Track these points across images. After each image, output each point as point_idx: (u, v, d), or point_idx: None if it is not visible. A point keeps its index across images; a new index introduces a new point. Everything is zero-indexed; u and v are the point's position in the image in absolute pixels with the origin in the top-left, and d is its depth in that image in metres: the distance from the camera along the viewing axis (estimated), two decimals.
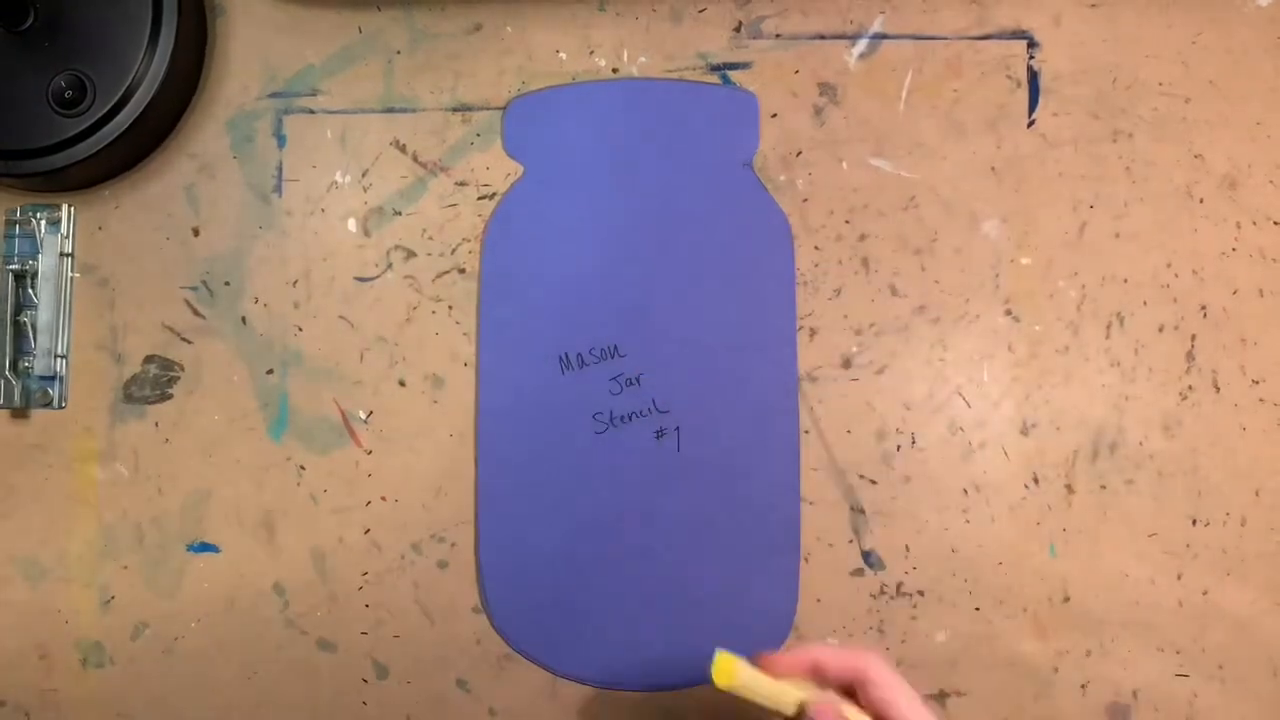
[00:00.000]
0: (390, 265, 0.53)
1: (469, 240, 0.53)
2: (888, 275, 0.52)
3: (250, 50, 0.54)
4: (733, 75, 0.53)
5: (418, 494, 0.52)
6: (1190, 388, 0.52)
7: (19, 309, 0.53)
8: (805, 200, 0.52)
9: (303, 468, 0.53)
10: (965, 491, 0.52)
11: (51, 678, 0.53)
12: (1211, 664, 0.51)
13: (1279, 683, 0.51)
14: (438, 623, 0.52)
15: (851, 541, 0.52)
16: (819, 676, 0.43)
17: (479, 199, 0.53)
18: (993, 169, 0.52)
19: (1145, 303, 0.52)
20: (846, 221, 0.52)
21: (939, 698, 0.51)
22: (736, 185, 0.52)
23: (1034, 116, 0.52)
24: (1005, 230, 0.52)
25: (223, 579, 0.53)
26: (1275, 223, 0.52)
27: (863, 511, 0.52)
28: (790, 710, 0.42)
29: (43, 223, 0.53)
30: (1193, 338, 0.52)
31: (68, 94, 0.50)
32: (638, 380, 0.52)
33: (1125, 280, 0.52)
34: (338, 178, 0.53)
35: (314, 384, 0.53)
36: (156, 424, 0.53)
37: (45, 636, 0.53)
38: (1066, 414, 0.52)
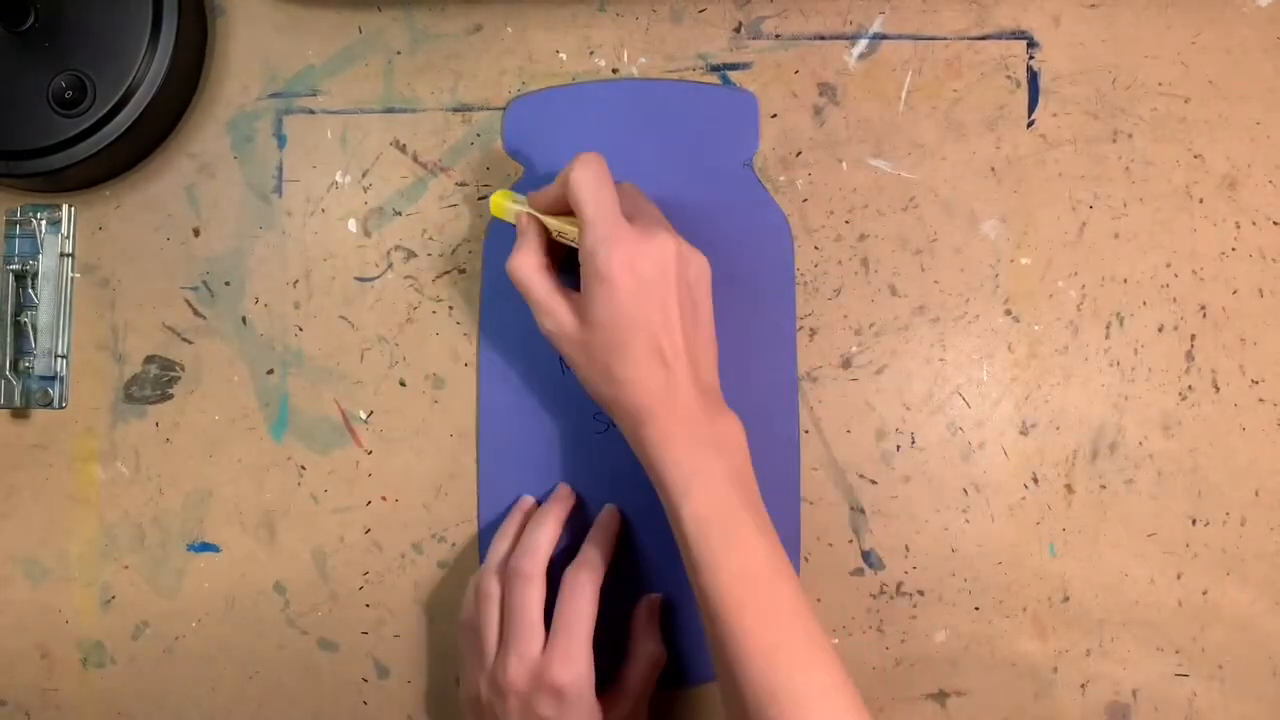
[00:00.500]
0: (391, 265, 0.53)
1: (469, 240, 0.53)
2: (887, 275, 0.52)
3: (250, 50, 0.54)
4: (733, 75, 0.53)
5: (418, 494, 0.52)
6: (1190, 388, 0.52)
7: (19, 309, 0.53)
8: (805, 200, 0.52)
9: (303, 468, 0.53)
10: (965, 491, 0.52)
11: (52, 677, 0.53)
12: (1211, 664, 0.51)
13: (1279, 683, 0.51)
14: (438, 622, 0.52)
15: (851, 541, 0.52)
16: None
17: (479, 199, 0.53)
18: (992, 169, 0.52)
19: (1145, 303, 0.52)
20: (846, 222, 0.52)
21: (939, 697, 0.51)
22: (736, 185, 0.52)
23: (1034, 117, 0.52)
24: (1005, 230, 0.52)
25: (223, 579, 0.53)
26: (1275, 223, 0.52)
27: (862, 511, 0.52)
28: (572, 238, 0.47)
29: (43, 223, 0.53)
30: (1192, 338, 0.52)
31: (68, 94, 0.50)
32: None
33: (1125, 280, 0.52)
34: (338, 178, 0.53)
35: (314, 384, 0.53)
36: (157, 424, 0.53)
37: (46, 636, 0.53)
38: (1066, 414, 0.52)
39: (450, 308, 0.53)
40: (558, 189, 0.46)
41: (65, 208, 0.53)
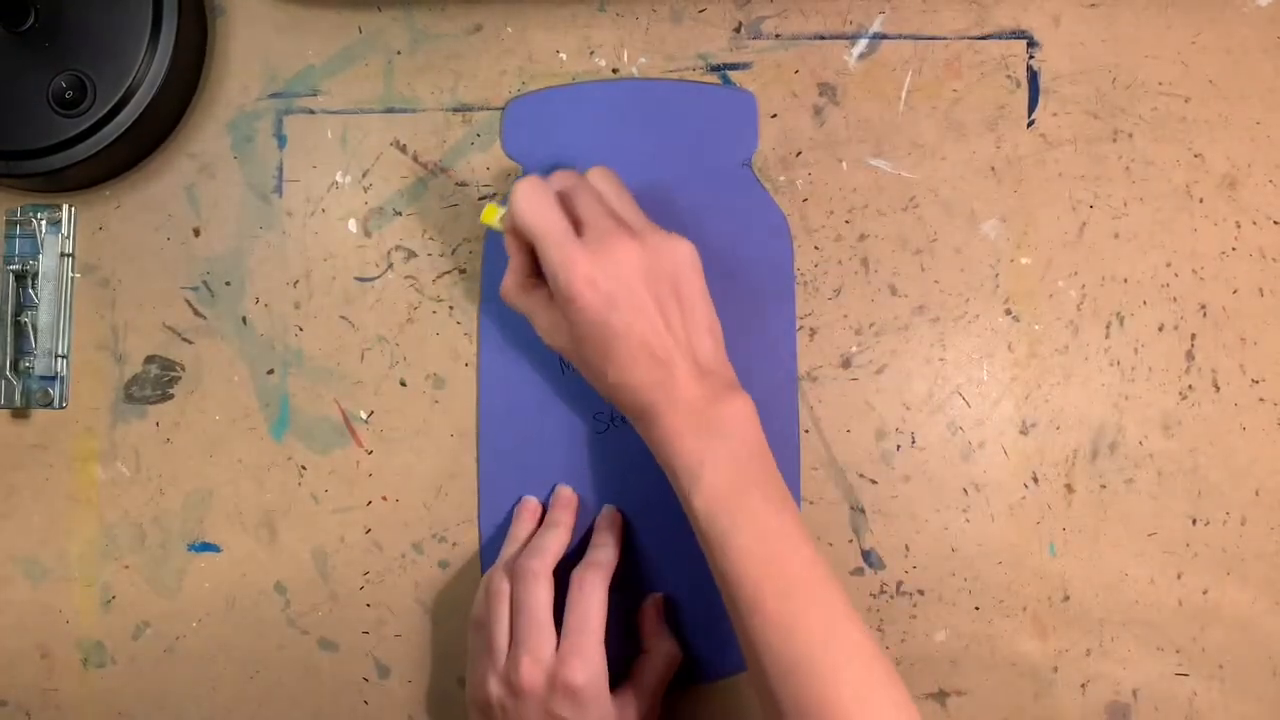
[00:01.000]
0: (391, 265, 0.53)
1: (469, 240, 0.53)
2: (887, 275, 0.52)
3: (250, 50, 0.54)
4: (732, 75, 0.53)
5: (419, 494, 0.52)
6: (1190, 387, 0.52)
7: (19, 309, 0.53)
8: (805, 200, 0.52)
9: (304, 467, 0.53)
10: (965, 491, 0.52)
11: (52, 677, 0.53)
12: (1211, 663, 0.51)
13: (1279, 682, 0.51)
14: (439, 622, 0.52)
15: (851, 541, 0.52)
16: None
17: (479, 199, 0.53)
18: (992, 169, 0.52)
19: (1145, 302, 0.52)
20: (846, 221, 0.52)
21: (939, 697, 0.51)
22: (736, 185, 0.52)
23: (1034, 116, 0.52)
24: (1005, 230, 0.52)
25: (224, 579, 0.53)
26: (1275, 222, 0.52)
27: (862, 511, 0.52)
28: None
29: (43, 223, 0.53)
30: (1193, 337, 0.52)
31: (68, 94, 0.50)
32: None
33: (1125, 280, 0.52)
34: (338, 178, 0.53)
35: (315, 384, 0.53)
36: (157, 424, 0.53)
37: (46, 636, 0.53)
38: (1066, 413, 0.52)
39: (450, 308, 0.53)
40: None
41: (65, 208, 0.53)
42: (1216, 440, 0.51)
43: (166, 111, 0.52)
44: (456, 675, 0.52)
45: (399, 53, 0.53)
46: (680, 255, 0.45)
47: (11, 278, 0.53)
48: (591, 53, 0.53)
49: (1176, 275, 0.52)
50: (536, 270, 0.47)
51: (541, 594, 0.46)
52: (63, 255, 0.53)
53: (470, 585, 0.52)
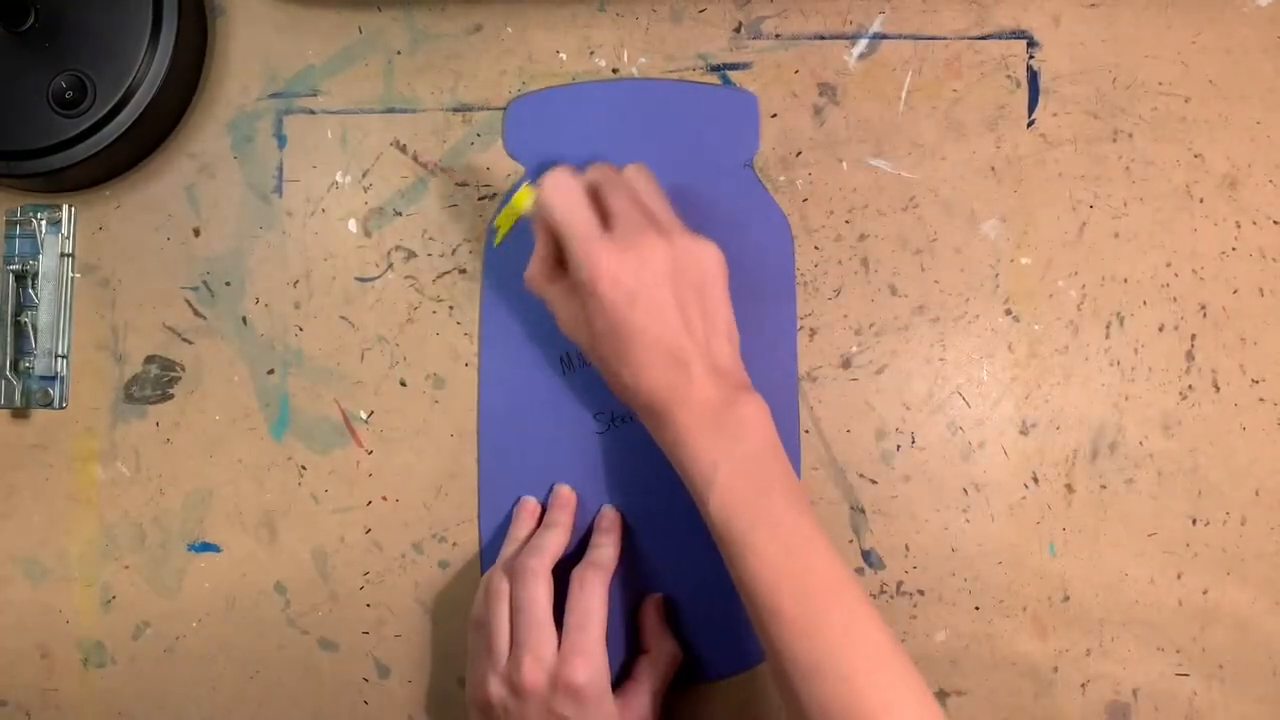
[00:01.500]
0: (391, 265, 0.53)
1: (469, 240, 0.53)
2: (887, 275, 0.52)
3: (250, 50, 0.54)
4: (733, 75, 0.53)
5: (419, 494, 0.52)
6: (1190, 387, 0.52)
7: (19, 309, 0.53)
8: (805, 200, 0.52)
9: (304, 467, 0.53)
10: (965, 491, 0.52)
11: (52, 677, 0.53)
12: (1211, 663, 0.51)
13: (1279, 682, 0.51)
14: (439, 622, 0.52)
15: (851, 541, 0.52)
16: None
17: (479, 199, 0.53)
18: (992, 169, 0.52)
19: (1145, 302, 0.52)
20: (846, 221, 0.52)
21: (939, 697, 0.51)
22: (737, 185, 0.52)
23: (1034, 116, 0.52)
24: (1005, 230, 0.52)
25: (224, 579, 0.53)
26: (1275, 222, 0.52)
27: (862, 511, 0.52)
28: None
29: (43, 223, 0.53)
30: (1193, 337, 0.52)
31: (68, 94, 0.50)
32: None
33: (1125, 280, 0.52)
34: (338, 178, 0.53)
35: (315, 384, 0.53)
36: (157, 424, 0.53)
37: (46, 636, 0.53)
38: (1066, 413, 0.52)
39: (450, 308, 0.53)
40: None
41: (65, 208, 0.53)
42: (1216, 440, 0.51)
43: (166, 111, 0.52)
44: (456, 675, 0.52)
45: (399, 53, 0.53)
46: (707, 259, 0.45)
47: (11, 278, 0.53)
48: (591, 53, 0.53)
49: (1176, 275, 0.52)
50: (562, 260, 0.47)
51: (540, 593, 0.46)
52: (63, 255, 0.53)
53: (470, 585, 0.52)
